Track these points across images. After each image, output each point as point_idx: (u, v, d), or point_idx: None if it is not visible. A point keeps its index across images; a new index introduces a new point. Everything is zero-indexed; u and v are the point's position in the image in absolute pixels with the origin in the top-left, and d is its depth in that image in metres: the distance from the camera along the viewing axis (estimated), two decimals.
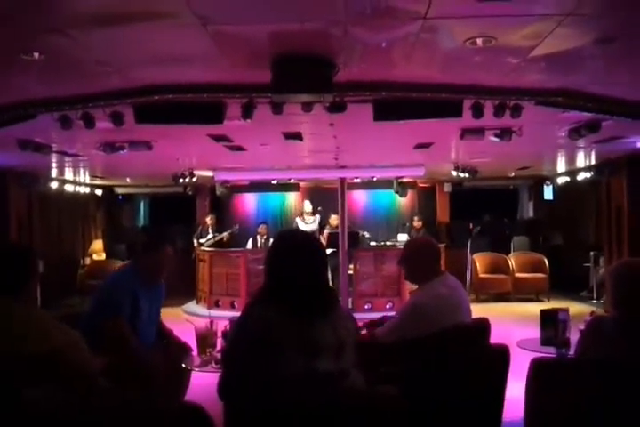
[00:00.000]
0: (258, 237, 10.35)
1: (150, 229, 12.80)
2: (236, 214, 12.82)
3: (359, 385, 2.17)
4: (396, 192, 10.96)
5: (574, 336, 3.27)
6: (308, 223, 10.03)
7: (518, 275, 9.98)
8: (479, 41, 3.23)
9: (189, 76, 3.94)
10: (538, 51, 3.41)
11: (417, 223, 10.84)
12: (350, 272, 9.00)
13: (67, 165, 8.27)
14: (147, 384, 3.00)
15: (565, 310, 3.83)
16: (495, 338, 3.20)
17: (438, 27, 3.04)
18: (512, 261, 10.16)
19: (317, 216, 10.14)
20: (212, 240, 10.33)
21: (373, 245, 10.43)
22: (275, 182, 11.09)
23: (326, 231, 9.63)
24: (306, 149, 7.41)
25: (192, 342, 3.70)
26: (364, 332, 3.47)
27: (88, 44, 3.19)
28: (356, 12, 2.82)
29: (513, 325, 6.80)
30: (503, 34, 3.16)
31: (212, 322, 3.52)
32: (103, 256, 11.34)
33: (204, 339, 3.47)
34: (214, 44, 3.24)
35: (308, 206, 10.24)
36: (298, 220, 10.28)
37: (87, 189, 11.12)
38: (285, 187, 11.96)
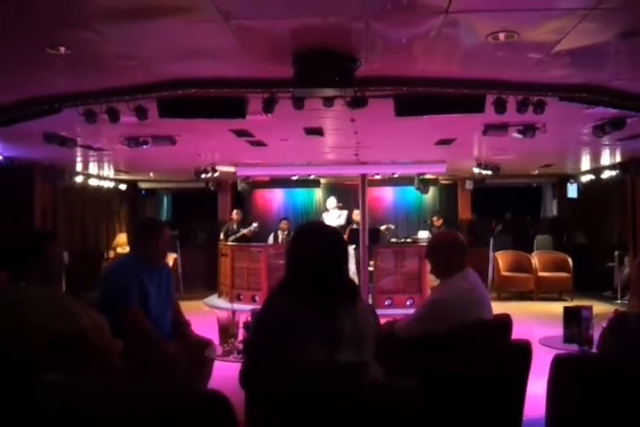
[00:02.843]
0: (279, 232, 10.40)
1: (172, 223, 12.93)
2: (257, 210, 12.90)
3: (379, 377, 2.18)
4: (418, 189, 10.93)
5: (597, 335, 3.24)
6: (334, 219, 10.07)
7: (541, 274, 9.87)
8: (501, 36, 3.21)
9: (212, 71, 3.97)
10: (561, 46, 3.38)
11: (437, 222, 10.84)
12: (371, 268, 9.00)
13: (91, 159, 8.39)
14: (167, 370, 3.05)
15: (589, 308, 3.79)
16: (517, 336, 3.18)
17: (460, 21, 3.02)
18: (535, 259, 10.06)
19: (344, 212, 10.13)
20: (233, 237, 10.43)
21: (394, 242, 10.42)
22: (295, 178, 11.12)
23: (348, 227, 9.64)
24: (327, 145, 7.42)
25: (214, 333, 3.75)
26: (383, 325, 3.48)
27: (113, 39, 3.24)
28: (377, 7, 2.82)
29: (535, 323, 6.74)
30: (526, 29, 3.13)
31: (234, 313, 3.56)
32: (127, 249, 11.49)
33: (227, 329, 3.51)
34: (236, 39, 3.27)
35: (331, 202, 10.23)
36: (324, 215, 10.34)
37: (111, 184, 11.27)
38: (306, 183, 11.98)
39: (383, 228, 10.16)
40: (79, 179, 9.85)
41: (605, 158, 8.80)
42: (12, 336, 2.20)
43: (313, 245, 2.23)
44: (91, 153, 7.54)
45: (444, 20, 2.95)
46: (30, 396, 1.84)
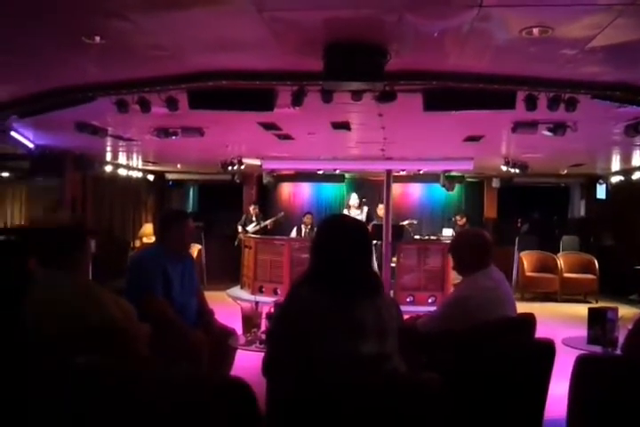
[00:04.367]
0: (302, 226, 10.46)
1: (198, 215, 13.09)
2: (281, 204, 12.97)
3: (401, 370, 2.18)
4: (443, 186, 10.85)
5: (622, 337, 3.20)
6: (355, 216, 10.07)
7: (566, 275, 9.75)
8: (535, 31, 3.17)
9: (243, 63, 4.00)
10: (596, 42, 3.33)
11: (460, 221, 10.77)
12: (393, 265, 8.98)
13: (121, 149, 8.50)
14: (192, 358, 3.09)
15: (614, 309, 3.75)
16: (540, 336, 3.15)
17: (494, 15, 2.99)
18: (560, 260, 9.93)
19: (365, 208, 10.16)
20: (257, 227, 10.56)
21: (417, 239, 10.38)
22: (320, 173, 11.14)
23: (371, 223, 9.64)
24: (353, 140, 7.42)
25: (237, 323, 3.79)
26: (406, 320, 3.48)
27: (147, 29, 3.28)
28: None
29: (559, 325, 6.66)
30: (561, 24, 3.09)
31: (257, 304, 3.61)
32: (153, 239, 11.63)
33: (250, 319, 3.56)
34: (269, 31, 3.28)
35: (353, 199, 10.22)
36: (345, 212, 10.35)
37: (139, 174, 11.41)
38: (331, 178, 12.00)
39: (406, 223, 10.14)
40: (108, 168, 9.99)
41: (636, 159, 8.65)
42: (45, 322, 2.25)
43: (338, 236, 2.24)
44: (120, 143, 7.65)
45: (478, 13, 2.92)
46: (63, 378, 1.89)
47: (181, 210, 10.52)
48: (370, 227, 9.30)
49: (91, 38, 3.36)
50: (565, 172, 10.75)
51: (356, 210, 10.12)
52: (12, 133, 6.35)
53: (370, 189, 11.36)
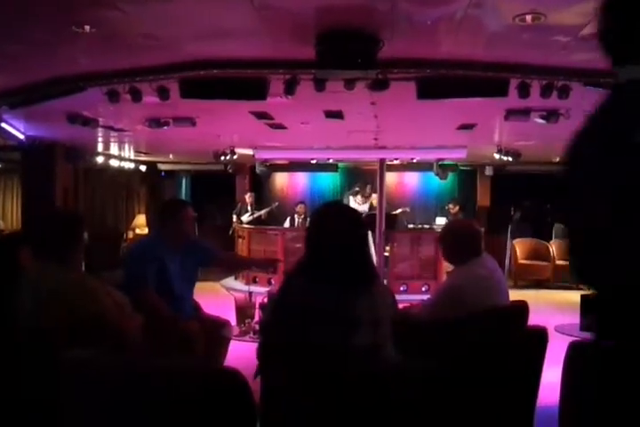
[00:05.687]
0: (295, 216, 10.45)
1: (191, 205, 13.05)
2: (274, 193, 12.96)
3: (394, 360, 2.19)
4: (437, 174, 10.86)
5: None
6: (360, 204, 10.13)
7: (559, 262, 9.79)
8: (528, 18, 3.16)
9: (234, 52, 3.97)
10: (589, 29, 3.31)
11: (453, 209, 10.79)
12: (386, 254, 9.00)
13: (112, 140, 8.45)
14: (186, 348, 3.09)
15: None
16: (533, 324, 3.17)
17: (487, 2, 2.98)
18: (553, 247, 9.99)
19: (369, 198, 10.20)
20: (251, 217, 10.54)
21: (411, 228, 10.41)
22: (314, 162, 11.12)
23: (365, 213, 9.67)
24: (346, 129, 7.39)
25: (231, 313, 3.79)
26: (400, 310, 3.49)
27: (138, 18, 3.24)
28: None
29: (552, 312, 6.70)
30: (554, 10, 3.08)
31: (250, 294, 3.60)
32: (146, 230, 11.61)
33: (244, 310, 3.55)
34: (260, 19, 3.25)
35: (367, 189, 10.35)
36: (351, 198, 10.37)
37: (131, 165, 11.35)
38: (324, 167, 11.98)
39: (399, 211, 10.16)
40: (100, 159, 9.93)
41: None
42: (37, 314, 2.24)
43: (332, 225, 2.23)
44: (112, 134, 7.59)
45: (471, 0, 2.90)
46: (53, 372, 1.88)
47: (180, 199, 10.50)
48: (364, 216, 9.33)
49: (81, 28, 3.32)
50: (558, 159, 10.76)
51: (362, 198, 10.16)
52: (3, 125, 6.30)
53: (363, 178, 11.35)
